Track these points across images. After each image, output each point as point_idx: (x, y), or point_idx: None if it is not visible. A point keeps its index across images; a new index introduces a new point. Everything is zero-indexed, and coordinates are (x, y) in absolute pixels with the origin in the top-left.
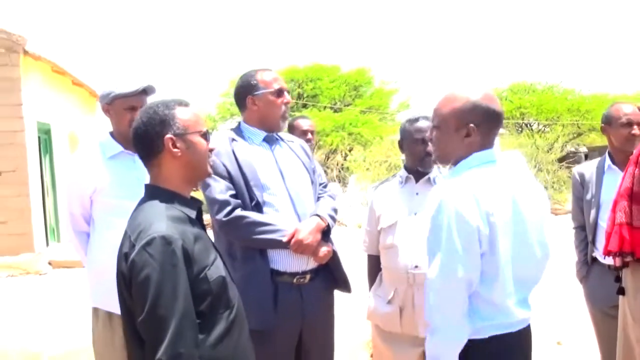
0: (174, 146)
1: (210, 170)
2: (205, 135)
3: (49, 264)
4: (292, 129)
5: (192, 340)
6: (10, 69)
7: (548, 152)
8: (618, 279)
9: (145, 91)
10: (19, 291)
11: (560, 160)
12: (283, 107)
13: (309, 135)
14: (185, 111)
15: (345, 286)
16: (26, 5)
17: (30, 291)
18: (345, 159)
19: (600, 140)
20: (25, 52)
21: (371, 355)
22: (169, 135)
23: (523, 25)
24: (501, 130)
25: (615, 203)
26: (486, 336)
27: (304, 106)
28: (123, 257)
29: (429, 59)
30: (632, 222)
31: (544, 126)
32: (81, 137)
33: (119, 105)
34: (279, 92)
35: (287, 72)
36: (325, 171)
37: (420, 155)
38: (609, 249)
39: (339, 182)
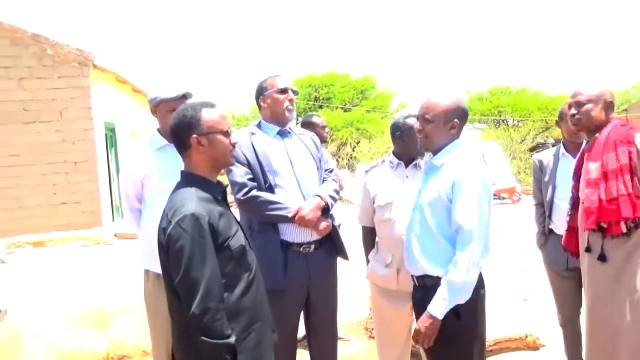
0: (199, 144)
1: (232, 160)
2: (226, 134)
3: (115, 236)
4: (313, 125)
5: (219, 297)
6: (82, 79)
7: (521, 143)
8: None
9: (185, 97)
10: (90, 258)
11: (532, 150)
12: (286, 103)
13: (327, 129)
14: (210, 112)
15: (344, 255)
16: (95, 26)
17: (99, 258)
18: (353, 150)
19: None
20: (95, 66)
21: (370, 309)
22: (194, 135)
23: (501, 37)
24: (482, 126)
25: (597, 182)
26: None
27: (320, 107)
28: (162, 231)
29: (423, 67)
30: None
31: (518, 122)
32: (140, 134)
33: (163, 108)
34: (283, 91)
35: (306, 79)
36: (337, 160)
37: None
38: (624, 216)
39: (349, 169)
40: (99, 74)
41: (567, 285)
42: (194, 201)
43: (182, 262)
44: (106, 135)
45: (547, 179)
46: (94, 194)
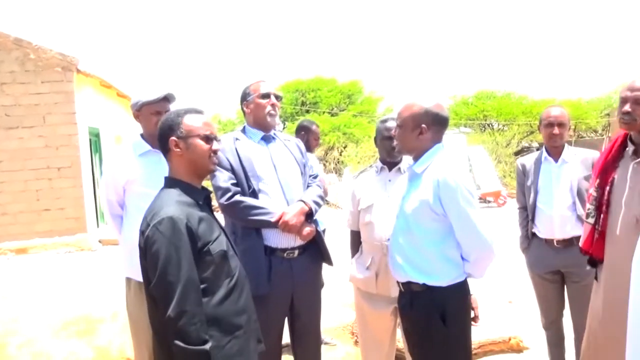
0: (177, 146)
1: (211, 166)
2: (206, 139)
3: (99, 242)
4: (308, 131)
5: (195, 300)
6: (65, 84)
7: (506, 147)
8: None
9: (167, 98)
10: (74, 264)
11: (516, 153)
12: (268, 107)
13: (319, 141)
14: (192, 117)
15: (328, 260)
16: (78, 30)
17: (83, 264)
18: (340, 154)
19: None
20: (78, 71)
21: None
22: (172, 138)
23: (486, 42)
24: (467, 130)
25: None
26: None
27: (307, 111)
28: (141, 234)
29: (409, 72)
30: None
31: (503, 126)
32: (125, 139)
33: (146, 111)
34: (265, 95)
35: (293, 84)
36: (324, 165)
37: (387, 148)
38: None
39: (336, 173)
40: (83, 78)
41: (550, 288)
42: (173, 204)
43: (158, 264)
44: (90, 140)
45: (529, 182)
46: (77, 200)
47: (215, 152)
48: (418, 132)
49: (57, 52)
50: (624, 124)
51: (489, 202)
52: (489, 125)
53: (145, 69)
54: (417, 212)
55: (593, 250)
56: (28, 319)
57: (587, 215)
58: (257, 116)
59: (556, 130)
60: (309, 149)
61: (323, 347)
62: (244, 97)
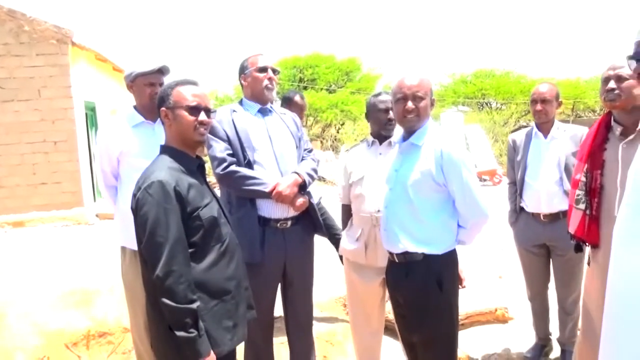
0: (166, 117)
1: (197, 137)
2: (192, 110)
3: (96, 216)
4: (292, 103)
5: (183, 261)
6: (61, 57)
7: (504, 125)
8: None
9: (161, 70)
10: (71, 238)
11: (513, 132)
12: (265, 81)
13: (304, 111)
14: (182, 89)
15: (321, 231)
16: (73, 3)
17: (80, 238)
18: (338, 132)
19: None
20: (73, 43)
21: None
22: (162, 108)
23: (485, 21)
24: (465, 108)
25: None
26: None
27: (305, 88)
28: (133, 197)
29: (408, 49)
30: None
31: (501, 105)
32: (118, 111)
33: (139, 82)
34: (262, 69)
35: (291, 60)
36: (321, 142)
37: (383, 121)
38: None
39: (333, 150)
40: (78, 51)
41: (536, 261)
42: (164, 170)
43: (147, 226)
44: (86, 114)
45: (519, 158)
46: (74, 174)
47: (202, 122)
48: (430, 104)
49: (52, 24)
50: (608, 101)
51: (485, 180)
52: (487, 104)
53: (142, 44)
54: (418, 183)
55: (587, 236)
56: (26, 290)
57: (577, 202)
58: (255, 89)
59: (539, 107)
60: None
61: (314, 319)
62: (242, 70)
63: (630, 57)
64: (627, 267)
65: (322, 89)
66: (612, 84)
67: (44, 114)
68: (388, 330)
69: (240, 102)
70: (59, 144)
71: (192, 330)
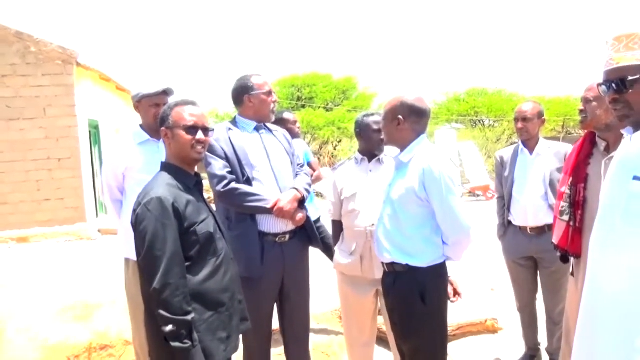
0: (166, 136)
1: (195, 155)
2: (189, 129)
3: (98, 231)
4: (284, 122)
5: (179, 274)
6: (65, 77)
7: (496, 142)
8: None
9: (166, 92)
10: (74, 253)
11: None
12: (272, 105)
13: (297, 124)
14: (180, 109)
15: (317, 243)
16: (78, 24)
17: (82, 253)
18: (335, 149)
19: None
20: (78, 64)
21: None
22: (162, 128)
23: (478, 41)
24: (459, 125)
25: None
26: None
27: (303, 106)
28: (133, 212)
29: (403, 69)
30: None
31: (494, 122)
32: (123, 129)
33: (145, 103)
34: (269, 93)
35: (289, 79)
36: (318, 159)
37: (377, 141)
38: None
39: (330, 167)
40: (83, 71)
41: (524, 273)
42: (163, 186)
43: (145, 239)
44: (90, 132)
45: (506, 173)
46: (77, 190)
47: (199, 141)
48: (396, 123)
49: (58, 45)
50: (580, 122)
51: (478, 195)
52: (480, 121)
53: (144, 63)
54: (403, 198)
55: (570, 247)
56: (26, 304)
57: (561, 213)
58: (261, 111)
59: (520, 125)
60: (294, 136)
61: (310, 331)
62: (247, 90)
63: (600, 85)
64: (600, 273)
65: (319, 107)
66: (580, 106)
67: (48, 132)
68: (380, 340)
69: (234, 121)
70: (63, 161)
71: (186, 341)
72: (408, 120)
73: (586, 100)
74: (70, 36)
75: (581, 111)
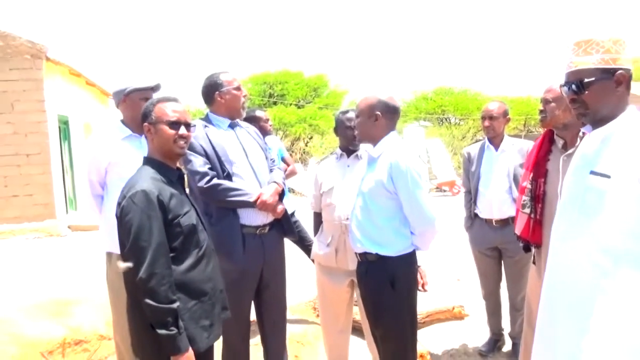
0: (149, 131)
1: (175, 149)
2: (172, 124)
3: (68, 227)
4: (256, 119)
5: (165, 264)
6: (35, 72)
7: (462, 139)
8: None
9: (155, 88)
10: (44, 250)
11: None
12: (242, 99)
13: (270, 122)
14: (162, 105)
15: (292, 234)
16: (48, 18)
17: (53, 250)
18: (306, 145)
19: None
20: (47, 58)
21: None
22: (145, 123)
23: (445, 42)
24: (427, 123)
25: None
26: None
27: (274, 103)
28: (118, 205)
29: (373, 67)
30: None
31: (460, 120)
32: (94, 126)
33: (135, 97)
34: (238, 88)
35: (261, 76)
36: (290, 155)
37: (350, 137)
38: None
39: (301, 163)
40: (52, 66)
41: (489, 262)
42: (147, 180)
43: (131, 231)
44: (59, 127)
45: (473, 169)
46: (46, 186)
47: (181, 136)
48: (373, 119)
49: (26, 39)
50: (540, 121)
51: (445, 191)
52: (446, 119)
53: (114, 58)
54: (373, 191)
55: (531, 237)
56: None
57: (523, 206)
58: (232, 107)
59: (487, 123)
60: (266, 133)
61: (287, 322)
62: (216, 87)
63: (562, 85)
64: (560, 261)
65: (291, 104)
66: (540, 107)
67: (17, 127)
68: (355, 330)
69: (207, 118)
70: (32, 156)
71: (172, 328)
72: (384, 117)
73: (545, 101)
74: (40, 30)
75: (541, 111)
